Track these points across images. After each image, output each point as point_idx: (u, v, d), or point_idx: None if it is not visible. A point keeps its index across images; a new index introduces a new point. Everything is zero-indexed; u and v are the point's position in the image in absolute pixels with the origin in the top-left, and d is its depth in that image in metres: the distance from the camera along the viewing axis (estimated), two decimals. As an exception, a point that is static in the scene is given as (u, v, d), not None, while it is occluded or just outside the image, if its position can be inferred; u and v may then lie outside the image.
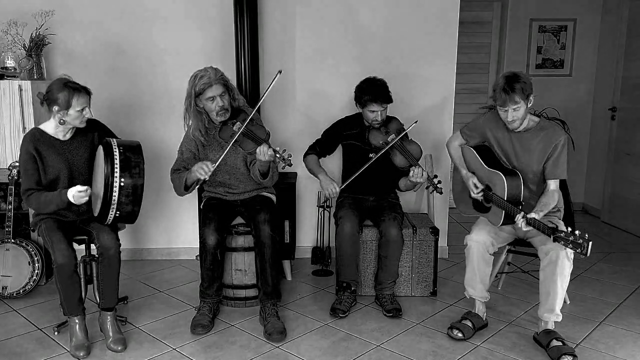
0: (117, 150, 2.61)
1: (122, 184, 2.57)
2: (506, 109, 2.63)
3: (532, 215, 2.51)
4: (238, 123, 2.91)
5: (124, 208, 2.62)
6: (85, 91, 2.67)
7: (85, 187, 2.54)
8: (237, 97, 3.04)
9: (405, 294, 3.39)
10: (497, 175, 2.74)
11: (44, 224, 2.72)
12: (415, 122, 3.09)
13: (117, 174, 2.57)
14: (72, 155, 2.75)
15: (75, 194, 2.53)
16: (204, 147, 3.06)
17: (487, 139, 2.90)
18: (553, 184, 2.74)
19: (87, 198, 2.55)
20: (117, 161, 2.58)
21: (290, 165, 2.78)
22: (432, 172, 2.93)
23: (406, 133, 3.20)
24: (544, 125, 2.76)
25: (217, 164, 2.88)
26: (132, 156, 2.64)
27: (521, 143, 2.76)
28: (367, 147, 3.18)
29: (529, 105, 2.67)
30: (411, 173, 2.98)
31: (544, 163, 2.74)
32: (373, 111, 3.14)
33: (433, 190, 3.00)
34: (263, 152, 2.80)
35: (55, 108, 2.62)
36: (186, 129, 3.06)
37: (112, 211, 2.60)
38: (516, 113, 2.64)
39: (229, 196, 3.16)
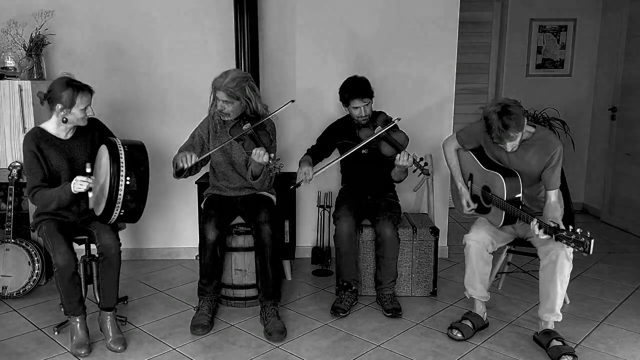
0: (122, 149, 2.62)
1: (127, 182, 2.57)
2: (502, 145, 2.64)
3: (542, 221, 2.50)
4: (248, 124, 2.98)
5: (129, 206, 2.62)
6: (88, 90, 2.67)
7: (85, 177, 2.53)
8: (253, 106, 3.02)
9: (405, 294, 3.39)
10: (495, 176, 2.73)
11: (45, 225, 2.72)
12: (398, 119, 3.12)
13: (122, 173, 2.57)
14: (73, 153, 2.75)
15: (76, 181, 2.52)
16: (216, 133, 3.12)
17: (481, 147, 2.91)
18: (553, 195, 2.72)
19: (86, 185, 2.52)
20: (122, 160, 2.58)
21: (278, 174, 2.95)
22: (418, 156, 2.98)
23: (395, 124, 3.21)
24: (539, 135, 2.72)
25: (200, 159, 2.97)
26: (137, 154, 2.65)
27: (517, 154, 2.74)
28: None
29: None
30: (397, 157, 3.00)
31: (541, 171, 2.73)
32: (356, 107, 3.19)
33: (420, 173, 3.01)
34: (258, 154, 2.84)
35: (59, 106, 2.62)
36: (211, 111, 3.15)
37: (117, 209, 2.61)
38: (514, 142, 2.63)
39: (229, 191, 3.18)
